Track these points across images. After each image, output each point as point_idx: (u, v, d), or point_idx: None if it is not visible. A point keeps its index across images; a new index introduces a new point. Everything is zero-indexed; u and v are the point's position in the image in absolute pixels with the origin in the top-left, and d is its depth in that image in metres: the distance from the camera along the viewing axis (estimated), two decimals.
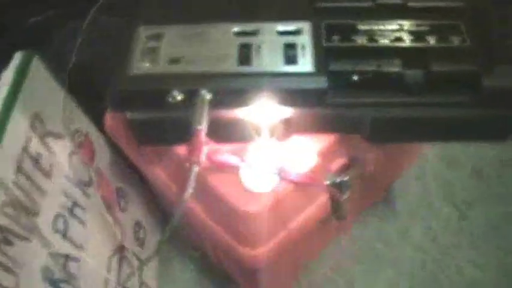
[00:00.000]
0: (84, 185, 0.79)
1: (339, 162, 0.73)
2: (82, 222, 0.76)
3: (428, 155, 1.23)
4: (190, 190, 0.57)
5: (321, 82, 0.57)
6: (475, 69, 0.58)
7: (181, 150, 0.69)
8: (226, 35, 0.61)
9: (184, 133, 0.58)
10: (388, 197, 1.16)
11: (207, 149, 0.60)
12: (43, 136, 0.71)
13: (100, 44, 0.76)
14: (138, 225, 0.95)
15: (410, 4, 0.63)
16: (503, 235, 1.10)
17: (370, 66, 0.58)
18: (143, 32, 0.62)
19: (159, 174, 0.77)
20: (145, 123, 0.64)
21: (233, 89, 0.57)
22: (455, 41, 0.61)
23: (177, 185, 0.75)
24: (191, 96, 0.56)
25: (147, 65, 0.58)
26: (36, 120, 0.70)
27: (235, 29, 0.61)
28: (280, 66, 0.58)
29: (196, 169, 0.57)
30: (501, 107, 0.62)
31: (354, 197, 0.78)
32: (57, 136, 0.75)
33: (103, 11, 0.72)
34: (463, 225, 1.11)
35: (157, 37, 0.61)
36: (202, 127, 0.56)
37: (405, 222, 1.12)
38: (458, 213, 1.13)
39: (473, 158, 1.23)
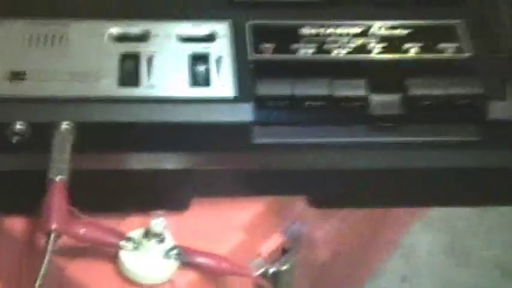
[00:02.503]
0: None
1: (273, 242, 0.76)
2: None
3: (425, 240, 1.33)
4: (41, 281, 0.53)
5: (245, 112, 0.60)
6: (479, 93, 0.60)
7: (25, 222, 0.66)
8: (99, 38, 0.62)
9: (31, 193, 0.57)
10: None
11: (69, 218, 0.58)
12: None
13: None
14: None
15: None
16: None
17: (319, 89, 0.61)
18: None
19: None
20: None
21: (111, 122, 0.59)
22: (449, 49, 0.64)
23: (11, 283, 0.73)
24: (44, 133, 0.57)
25: None
26: None
27: (114, 29, 0.63)
28: (184, 88, 0.61)
29: (53, 244, 0.55)
30: None
31: None
32: None
33: None
34: None
35: None
36: (63, 178, 0.57)
37: None
38: None
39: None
